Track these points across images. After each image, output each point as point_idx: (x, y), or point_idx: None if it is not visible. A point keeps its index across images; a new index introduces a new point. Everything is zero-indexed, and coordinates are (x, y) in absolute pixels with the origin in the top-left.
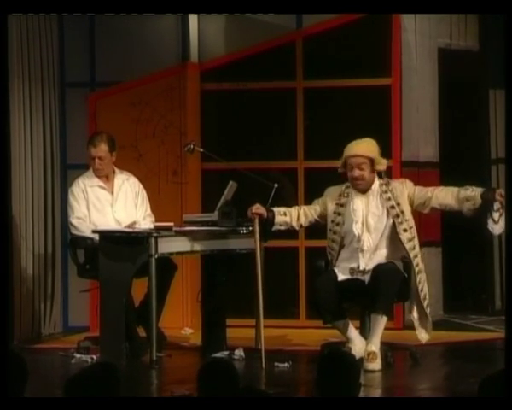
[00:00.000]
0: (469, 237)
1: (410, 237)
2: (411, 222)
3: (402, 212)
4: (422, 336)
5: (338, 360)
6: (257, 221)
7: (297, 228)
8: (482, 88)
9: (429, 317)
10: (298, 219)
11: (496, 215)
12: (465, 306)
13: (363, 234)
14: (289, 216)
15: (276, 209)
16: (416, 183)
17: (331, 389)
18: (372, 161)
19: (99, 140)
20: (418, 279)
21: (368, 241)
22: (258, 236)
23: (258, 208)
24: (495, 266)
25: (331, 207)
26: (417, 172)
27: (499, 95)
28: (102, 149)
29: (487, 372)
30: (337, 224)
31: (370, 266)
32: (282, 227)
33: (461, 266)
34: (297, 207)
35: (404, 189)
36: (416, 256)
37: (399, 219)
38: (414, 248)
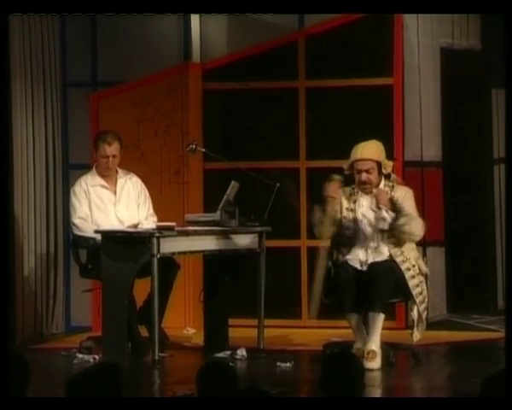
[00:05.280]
0: (472, 236)
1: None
2: None
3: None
4: (416, 335)
5: (342, 361)
6: (330, 205)
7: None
8: (484, 87)
9: (413, 317)
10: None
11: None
12: (467, 305)
13: (366, 232)
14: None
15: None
16: (420, 182)
17: (335, 389)
18: (379, 165)
19: (113, 138)
20: (407, 277)
21: (369, 240)
22: (328, 221)
23: (336, 192)
24: (497, 265)
25: (345, 204)
26: (420, 171)
27: (501, 94)
28: (116, 147)
29: (490, 372)
30: (349, 220)
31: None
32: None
33: (463, 266)
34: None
35: (402, 197)
36: (401, 253)
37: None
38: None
